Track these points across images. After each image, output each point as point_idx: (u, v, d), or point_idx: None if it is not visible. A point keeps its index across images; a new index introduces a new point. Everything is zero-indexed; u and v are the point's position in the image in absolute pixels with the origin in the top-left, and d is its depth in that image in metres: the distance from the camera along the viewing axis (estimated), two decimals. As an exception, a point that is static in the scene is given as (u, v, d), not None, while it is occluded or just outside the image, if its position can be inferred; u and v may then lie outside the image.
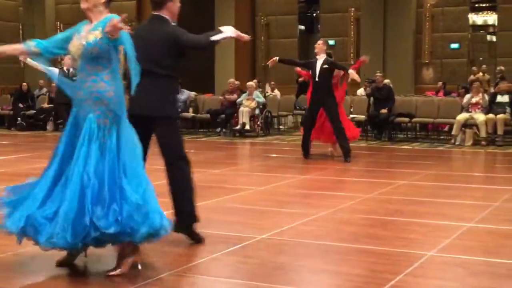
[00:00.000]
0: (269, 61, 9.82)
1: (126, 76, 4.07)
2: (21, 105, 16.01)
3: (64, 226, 3.62)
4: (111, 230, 3.61)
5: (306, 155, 9.69)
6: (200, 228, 5.08)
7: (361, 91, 15.63)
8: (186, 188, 4.52)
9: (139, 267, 3.90)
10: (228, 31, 4.45)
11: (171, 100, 4.57)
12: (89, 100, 3.83)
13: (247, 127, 13.90)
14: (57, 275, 3.87)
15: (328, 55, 9.66)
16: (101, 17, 3.90)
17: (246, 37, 4.61)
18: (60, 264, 3.98)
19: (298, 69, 11.11)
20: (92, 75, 3.86)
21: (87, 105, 3.84)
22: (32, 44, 4.02)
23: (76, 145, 3.80)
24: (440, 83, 16.61)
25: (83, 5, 3.95)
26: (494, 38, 18.82)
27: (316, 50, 9.59)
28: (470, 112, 12.35)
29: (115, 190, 3.70)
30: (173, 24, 4.62)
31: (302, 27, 22.00)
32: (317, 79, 9.45)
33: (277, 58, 9.75)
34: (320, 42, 9.82)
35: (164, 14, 4.60)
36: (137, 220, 3.66)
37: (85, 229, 3.62)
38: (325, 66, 9.40)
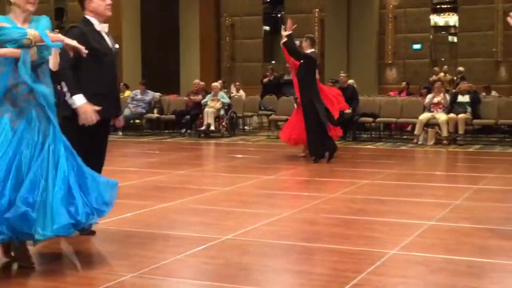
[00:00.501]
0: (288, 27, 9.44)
1: None
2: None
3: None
4: None
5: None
6: (164, 229, 5.07)
7: (325, 92, 15.72)
8: None
9: None
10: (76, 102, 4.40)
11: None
12: None
13: (212, 127, 13.88)
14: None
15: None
16: None
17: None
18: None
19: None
20: None
21: None
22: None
23: None
24: (404, 83, 16.83)
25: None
26: (455, 39, 19.14)
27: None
28: (432, 112, 12.54)
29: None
30: (76, 27, 4.54)
31: (267, 27, 22.06)
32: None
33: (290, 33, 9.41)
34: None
35: (88, 15, 4.58)
36: None
37: None
38: None
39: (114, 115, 4.90)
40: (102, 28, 4.68)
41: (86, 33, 4.52)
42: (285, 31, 9.45)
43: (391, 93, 16.00)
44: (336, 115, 9.70)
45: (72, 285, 3.76)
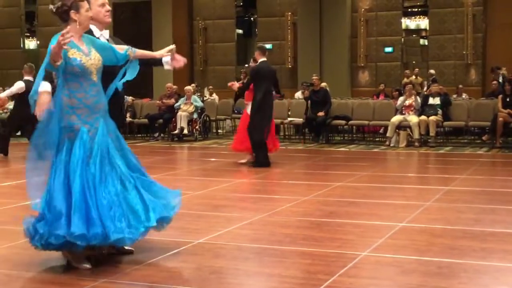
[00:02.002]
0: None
1: None
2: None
3: None
4: None
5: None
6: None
7: (298, 94, 15.80)
8: None
9: None
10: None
11: None
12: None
13: (185, 131, 13.86)
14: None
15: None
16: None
17: None
18: None
19: None
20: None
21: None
22: None
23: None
24: (382, 86, 16.96)
25: None
26: (426, 42, 19.35)
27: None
28: (404, 114, 12.67)
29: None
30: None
31: (240, 31, 22.07)
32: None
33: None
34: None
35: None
36: None
37: None
38: None
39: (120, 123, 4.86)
40: (101, 34, 4.64)
41: None
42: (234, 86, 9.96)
43: (375, 97, 15.86)
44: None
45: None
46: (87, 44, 4.22)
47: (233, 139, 10.25)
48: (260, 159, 9.32)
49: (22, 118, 10.67)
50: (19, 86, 10.88)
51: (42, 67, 4.10)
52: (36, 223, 4.03)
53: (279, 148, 10.25)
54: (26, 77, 11.06)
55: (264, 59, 9.65)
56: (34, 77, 11.53)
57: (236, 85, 9.97)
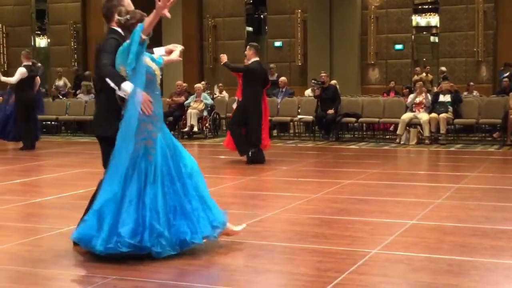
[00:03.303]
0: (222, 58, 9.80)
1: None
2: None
3: None
4: None
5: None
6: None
7: (308, 92, 15.77)
8: None
9: None
10: (135, 95, 4.27)
11: (108, 118, 4.47)
12: None
13: (195, 129, 13.87)
14: None
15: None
16: None
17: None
18: None
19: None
20: None
21: None
22: None
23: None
24: (392, 83, 16.90)
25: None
26: (436, 39, 19.26)
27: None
28: (414, 111, 12.62)
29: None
30: (111, 37, 4.49)
31: (250, 28, 22.05)
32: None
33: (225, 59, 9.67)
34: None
35: (114, 26, 4.57)
36: None
37: None
38: None
39: None
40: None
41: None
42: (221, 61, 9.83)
43: (385, 95, 15.82)
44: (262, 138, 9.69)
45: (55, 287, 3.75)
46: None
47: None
48: (243, 150, 9.45)
49: (29, 99, 11.50)
50: (21, 71, 11.53)
51: (133, 56, 4.15)
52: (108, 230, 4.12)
53: (267, 148, 10.16)
54: (25, 63, 11.73)
55: (257, 58, 9.64)
56: (33, 63, 11.96)
57: (225, 57, 9.83)
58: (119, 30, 4.50)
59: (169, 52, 4.81)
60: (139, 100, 4.19)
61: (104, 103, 4.53)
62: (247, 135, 9.48)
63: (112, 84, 4.29)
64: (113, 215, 4.12)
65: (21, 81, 11.50)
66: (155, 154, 4.26)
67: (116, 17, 4.40)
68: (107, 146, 4.43)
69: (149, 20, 4.17)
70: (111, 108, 4.42)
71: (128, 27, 4.31)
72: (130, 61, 4.16)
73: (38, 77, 12.16)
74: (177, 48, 4.80)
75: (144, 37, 4.15)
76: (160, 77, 4.48)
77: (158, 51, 4.75)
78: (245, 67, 9.73)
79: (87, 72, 18.50)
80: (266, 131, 9.87)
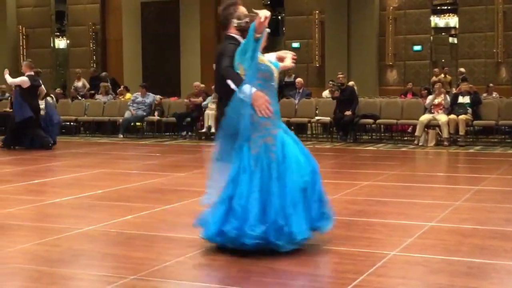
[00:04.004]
0: None
1: None
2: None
3: None
4: None
5: None
6: (164, 232, 5.09)
7: (326, 93, 15.74)
8: None
9: None
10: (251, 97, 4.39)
11: None
12: None
13: (213, 130, 13.89)
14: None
15: None
16: None
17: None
18: None
19: None
20: None
21: None
22: None
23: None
24: (410, 84, 16.82)
25: None
26: (455, 40, 19.13)
27: None
28: (433, 113, 12.55)
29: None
30: (230, 43, 4.69)
31: (267, 29, 22.02)
32: None
33: None
34: None
35: (231, 33, 4.76)
36: None
37: None
38: None
39: None
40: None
41: None
42: None
43: (402, 97, 15.75)
44: None
45: (73, 287, 3.77)
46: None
47: None
48: None
49: (33, 109, 11.67)
50: (23, 79, 11.80)
51: (250, 53, 4.34)
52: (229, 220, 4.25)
53: None
54: (28, 73, 11.92)
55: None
56: (36, 74, 12.15)
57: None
58: (236, 36, 4.70)
59: (280, 59, 4.90)
60: (255, 103, 4.36)
61: (225, 108, 4.69)
62: None
63: (233, 86, 4.47)
64: (238, 211, 4.24)
65: (24, 91, 11.69)
66: (276, 150, 4.36)
67: (236, 21, 4.64)
68: None
69: (257, 21, 4.35)
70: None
71: (245, 30, 4.52)
72: (248, 56, 4.35)
73: (42, 86, 12.26)
74: (288, 55, 4.94)
75: (257, 35, 4.33)
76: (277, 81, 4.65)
77: (269, 57, 4.85)
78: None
79: (103, 74, 18.62)
80: None
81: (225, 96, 4.60)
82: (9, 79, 11.93)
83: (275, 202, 4.26)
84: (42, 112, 12.12)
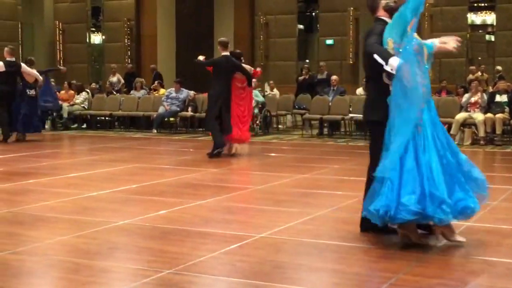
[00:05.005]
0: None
1: None
2: None
3: None
4: None
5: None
6: (198, 227, 5.11)
7: (360, 91, 15.63)
8: None
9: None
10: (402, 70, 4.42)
11: (376, 102, 4.73)
12: None
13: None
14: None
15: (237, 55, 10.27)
16: None
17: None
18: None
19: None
20: None
21: None
22: None
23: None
24: (444, 82, 16.61)
25: None
26: (492, 38, 18.83)
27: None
28: (469, 111, 12.36)
29: None
30: (378, 24, 4.80)
31: (301, 26, 21.99)
32: None
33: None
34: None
35: (380, 15, 4.87)
36: None
37: None
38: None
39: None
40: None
41: None
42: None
43: (437, 94, 15.57)
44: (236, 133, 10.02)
45: (110, 280, 3.81)
46: None
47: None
48: (218, 141, 9.77)
49: (4, 93, 11.68)
50: None
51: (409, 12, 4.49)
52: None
53: (247, 141, 10.55)
54: (8, 58, 11.99)
55: (226, 53, 9.97)
56: (17, 60, 12.19)
57: (200, 58, 10.24)
58: (384, 18, 4.81)
59: (443, 43, 4.97)
60: (403, 75, 4.34)
61: (373, 89, 4.88)
62: (220, 126, 9.83)
63: (379, 60, 4.49)
64: (395, 186, 4.27)
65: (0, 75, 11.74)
66: (423, 124, 4.42)
67: (386, 2, 4.78)
68: (375, 130, 4.77)
69: None
70: (379, 93, 4.67)
71: (394, 11, 4.65)
72: (408, 13, 4.47)
73: (31, 74, 12.24)
74: (452, 37, 5.01)
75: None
76: (431, 61, 4.76)
77: (431, 41, 4.94)
78: (211, 60, 10.47)
79: (152, 66, 18.82)
80: (247, 124, 10.33)
81: (372, 79, 4.76)
82: None
83: (429, 175, 4.31)
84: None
